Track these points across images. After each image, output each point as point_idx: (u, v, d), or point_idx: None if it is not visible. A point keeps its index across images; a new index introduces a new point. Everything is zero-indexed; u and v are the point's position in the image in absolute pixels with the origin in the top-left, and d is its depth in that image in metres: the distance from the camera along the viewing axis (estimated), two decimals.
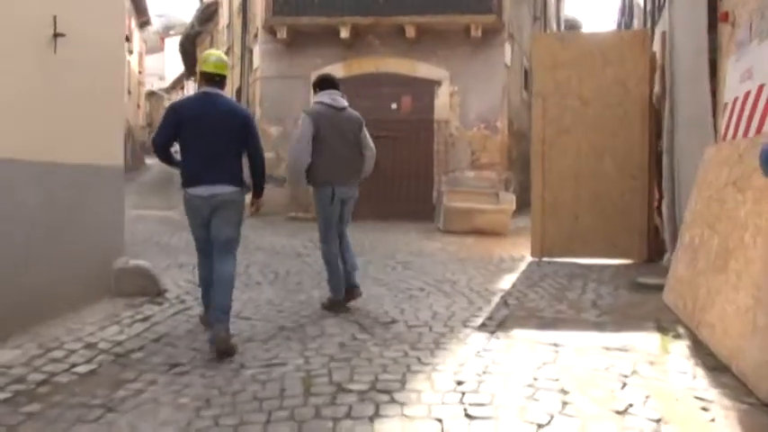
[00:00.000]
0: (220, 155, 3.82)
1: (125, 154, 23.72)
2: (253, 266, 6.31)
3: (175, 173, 4.28)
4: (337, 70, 11.47)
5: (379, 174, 12.06)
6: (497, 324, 4.28)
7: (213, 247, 3.88)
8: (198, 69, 4.20)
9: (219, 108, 3.88)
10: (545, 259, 6.82)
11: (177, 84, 40.37)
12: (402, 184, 11.12)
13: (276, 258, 6.84)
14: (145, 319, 4.39)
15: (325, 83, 4.79)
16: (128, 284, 4.93)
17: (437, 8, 10.81)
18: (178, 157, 4.08)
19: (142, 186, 21.27)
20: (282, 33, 11.32)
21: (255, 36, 12.42)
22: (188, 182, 3.86)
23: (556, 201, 6.86)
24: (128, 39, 23.97)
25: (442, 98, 11.26)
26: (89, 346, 3.79)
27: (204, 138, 3.79)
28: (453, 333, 4.09)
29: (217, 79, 3.97)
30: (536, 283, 5.64)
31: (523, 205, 9.62)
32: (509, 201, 9.14)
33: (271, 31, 11.51)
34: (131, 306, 4.71)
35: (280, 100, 11.58)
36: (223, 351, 3.55)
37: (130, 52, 29.01)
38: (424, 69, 11.30)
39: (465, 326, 4.25)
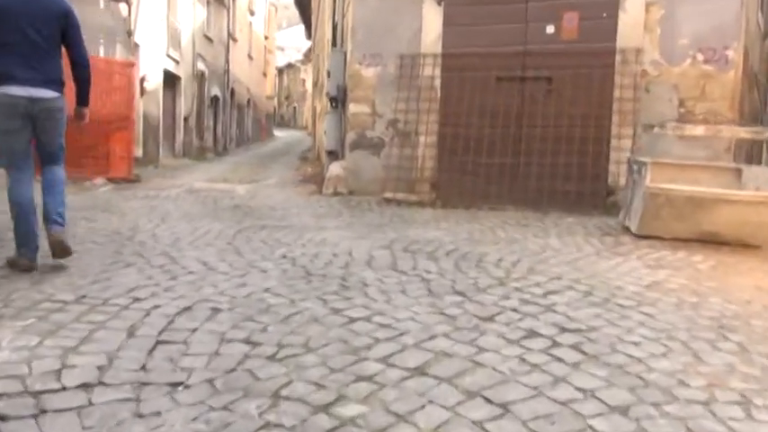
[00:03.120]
0: (37, 53, 3.38)
1: (243, 124, 21.18)
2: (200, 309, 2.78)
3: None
4: None
5: (524, 137, 7.81)
6: None
7: (42, 159, 3.56)
8: None
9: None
10: None
11: (310, 53, 37.91)
12: (559, 153, 7.03)
13: (276, 290, 3.23)
14: None
15: None
16: None
17: None
18: None
19: (250, 158, 18.85)
20: None
21: None
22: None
23: None
24: None
25: (632, 13, 6.93)
26: None
27: (18, 31, 3.31)
28: None
29: None
30: None
31: None
32: None
33: None
34: None
35: (379, 27, 7.93)
36: (62, 251, 3.44)
37: (252, 13, 26.97)
38: None
39: None
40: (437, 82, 7.67)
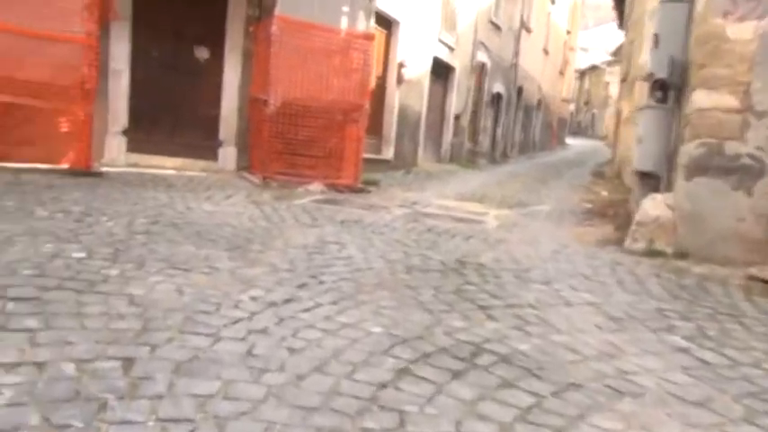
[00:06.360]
0: None
1: (529, 127, 17.83)
2: None
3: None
4: None
5: None
6: None
7: None
8: None
9: None
10: None
11: (618, 52, 32.99)
12: None
13: None
14: None
15: None
16: None
17: None
18: None
19: (528, 168, 15.60)
20: None
21: None
22: None
23: None
24: None
25: None
26: None
27: None
28: None
29: None
30: None
31: None
32: None
33: None
34: None
35: None
36: None
37: (554, 2, 23.51)
38: None
39: None
40: None
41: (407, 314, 2.63)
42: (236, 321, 2.33)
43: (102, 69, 5.99)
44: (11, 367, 1.77)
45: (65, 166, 5.58)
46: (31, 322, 2.10)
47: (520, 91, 19.14)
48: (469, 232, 5.02)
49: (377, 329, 2.39)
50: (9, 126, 5.21)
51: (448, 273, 3.48)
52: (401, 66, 9.80)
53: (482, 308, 2.84)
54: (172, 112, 7.16)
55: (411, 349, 2.20)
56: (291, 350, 2.10)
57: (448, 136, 13.62)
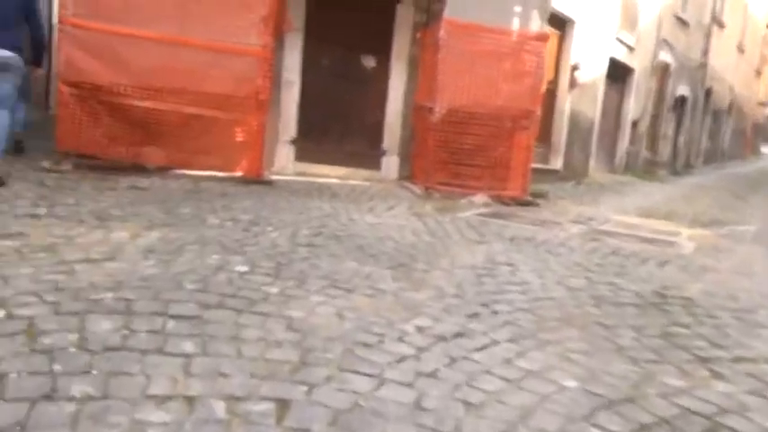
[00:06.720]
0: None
1: (718, 134, 15.42)
2: None
3: None
4: None
5: None
6: None
7: None
8: None
9: None
10: None
11: None
12: None
13: None
14: None
15: None
16: None
17: None
18: None
19: (718, 180, 13.86)
20: None
21: None
22: None
23: None
24: None
25: None
26: None
27: None
28: None
29: None
30: None
31: None
32: None
33: None
34: None
35: None
36: None
37: None
38: None
39: None
40: None
41: (605, 363, 2.15)
42: (402, 359, 2.02)
43: (275, 79, 6.11)
44: (161, 401, 1.61)
45: (238, 174, 5.75)
46: (188, 346, 1.95)
47: (708, 93, 17.15)
48: (663, 256, 4.31)
49: (570, 383, 1.94)
50: (190, 136, 5.46)
51: (647, 308, 2.91)
52: (574, 68, 9.07)
53: (702, 360, 2.26)
54: (338, 121, 7.18)
55: (619, 417, 1.73)
56: (468, 405, 1.74)
57: (623, 144, 12.48)
